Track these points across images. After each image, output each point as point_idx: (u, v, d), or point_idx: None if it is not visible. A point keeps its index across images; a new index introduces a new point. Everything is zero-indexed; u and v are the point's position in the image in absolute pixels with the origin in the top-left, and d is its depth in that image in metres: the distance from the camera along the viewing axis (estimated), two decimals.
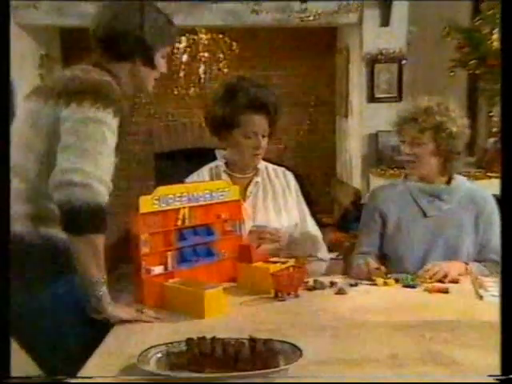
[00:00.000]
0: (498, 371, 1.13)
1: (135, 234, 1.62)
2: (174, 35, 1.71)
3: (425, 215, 2.04)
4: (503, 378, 1.07)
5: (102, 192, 1.41)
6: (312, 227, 2.14)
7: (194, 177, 2.10)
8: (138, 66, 1.63)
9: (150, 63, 1.63)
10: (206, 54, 5.13)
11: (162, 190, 1.68)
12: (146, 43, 1.60)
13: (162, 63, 1.68)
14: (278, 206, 2.09)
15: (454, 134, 1.98)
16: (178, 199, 1.70)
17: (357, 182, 4.72)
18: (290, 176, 2.18)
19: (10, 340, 1.16)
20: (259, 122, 1.99)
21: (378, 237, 2.09)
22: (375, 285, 1.80)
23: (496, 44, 3.64)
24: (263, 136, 2.02)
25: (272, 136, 2.08)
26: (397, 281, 1.80)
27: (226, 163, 2.11)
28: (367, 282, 1.82)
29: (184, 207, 1.72)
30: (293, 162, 5.41)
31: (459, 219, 2.03)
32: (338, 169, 5.56)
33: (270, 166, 2.17)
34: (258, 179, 2.10)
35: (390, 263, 2.02)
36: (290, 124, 5.37)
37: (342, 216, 4.72)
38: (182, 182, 2.05)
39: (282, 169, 2.19)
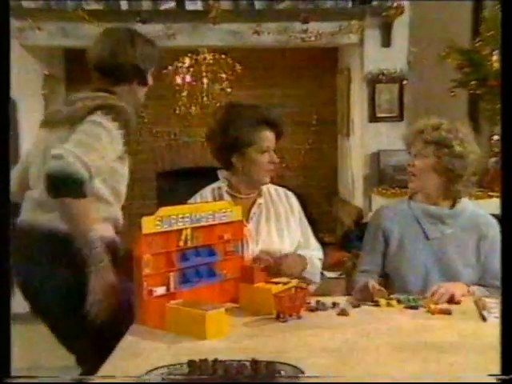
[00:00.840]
0: None
1: (137, 255, 1.63)
2: (158, 55, 2.01)
3: (427, 237, 2.04)
4: (503, 378, 1.06)
5: (76, 165, 1.65)
6: (315, 250, 2.14)
7: (197, 198, 2.10)
8: (135, 86, 1.95)
9: (144, 82, 1.97)
10: (209, 74, 5.17)
11: (164, 210, 1.68)
12: (139, 68, 1.92)
13: (150, 79, 2.00)
14: (281, 227, 2.09)
15: (458, 153, 1.97)
16: (180, 220, 1.71)
17: (359, 201, 4.72)
18: (292, 197, 2.18)
19: (10, 340, 1.17)
20: (271, 137, 2.06)
21: (381, 256, 2.09)
22: (378, 306, 1.79)
23: (496, 65, 3.66)
24: (274, 151, 2.08)
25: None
26: (399, 302, 1.80)
27: (229, 184, 2.11)
28: (370, 304, 1.81)
29: (186, 228, 1.73)
30: (295, 181, 5.41)
31: (461, 244, 2.03)
32: (339, 188, 5.56)
33: (272, 187, 2.17)
34: (261, 201, 2.10)
35: (392, 283, 2.02)
36: (292, 144, 5.38)
37: (343, 235, 4.71)
38: (184, 201, 2.06)
39: (284, 190, 2.20)
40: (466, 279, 1.98)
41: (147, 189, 5.44)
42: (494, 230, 2.05)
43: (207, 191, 2.11)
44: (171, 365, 1.29)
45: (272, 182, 2.20)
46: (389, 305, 1.78)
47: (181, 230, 1.71)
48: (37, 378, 1.28)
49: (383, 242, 2.09)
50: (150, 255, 1.63)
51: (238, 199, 2.05)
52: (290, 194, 2.19)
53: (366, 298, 1.84)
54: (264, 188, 2.13)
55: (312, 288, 2.05)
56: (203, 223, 1.77)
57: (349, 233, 4.53)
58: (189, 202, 2.06)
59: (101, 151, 1.74)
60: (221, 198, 2.06)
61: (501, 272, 1.08)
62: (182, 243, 1.72)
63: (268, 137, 2.05)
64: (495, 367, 1.31)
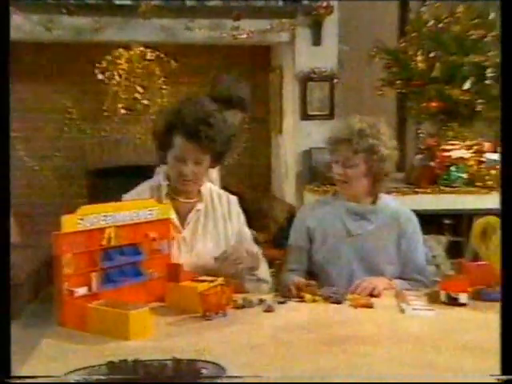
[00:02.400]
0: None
1: (57, 254, 1.58)
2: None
3: (350, 234, 2.08)
4: (503, 378, 1.09)
5: None
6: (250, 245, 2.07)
7: (133, 194, 2.00)
8: None
9: None
10: (141, 70, 5.10)
11: (85, 208, 1.64)
12: None
13: None
14: (218, 235, 2.01)
15: (385, 156, 2.02)
16: (103, 218, 1.67)
17: (291, 198, 4.78)
18: (235, 204, 2.08)
19: (10, 340, 1.15)
20: (189, 149, 1.88)
21: (306, 254, 2.12)
22: (304, 301, 1.81)
23: (421, 65, 3.78)
24: (197, 163, 1.91)
25: (218, 165, 2.03)
26: (324, 297, 1.82)
27: (169, 184, 1.99)
28: (296, 300, 1.82)
29: (110, 226, 1.69)
30: (228, 178, 5.40)
31: (382, 239, 2.07)
32: (273, 186, 5.61)
33: (215, 191, 2.07)
34: (200, 206, 2.00)
35: (318, 280, 2.04)
36: (232, 149, 5.37)
37: (276, 233, 4.75)
38: (118, 199, 1.99)
39: (228, 195, 2.09)
40: (389, 274, 2.04)
41: (77, 187, 5.31)
42: (413, 225, 2.11)
43: (145, 189, 2.01)
44: (90, 366, 1.26)
45: None
46: (315, 300, 1.80)
47: (104, 228, 1.67)
48: (37, 377, 1.24)
49: (307, 240, 2.12)
50: (70, 255, 1.59)
51: (178, 202, 1.97)
52: (233, 200, 2.09)
53: (293, 294, 1.85)
54: (206, 192, 2.03)
55: (266, 288, 2.02)
56: (127, 221, 1.74)
57: (282, 230, 4.57)
58: (125, 196, 1.99)
59: None
60: (159, 199, 1.94)
61: (501, 272, 1.10)
62: (105, 242, 1.68)
63: (184, 147, 1.89)
64: (409, 358, 1.36)
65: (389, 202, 2.15)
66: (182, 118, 1.88)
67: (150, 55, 5.08)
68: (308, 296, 1.81)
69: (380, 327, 1.59)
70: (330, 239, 2.09)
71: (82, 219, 1.61)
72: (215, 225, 2.02)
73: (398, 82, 3.98)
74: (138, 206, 1.78)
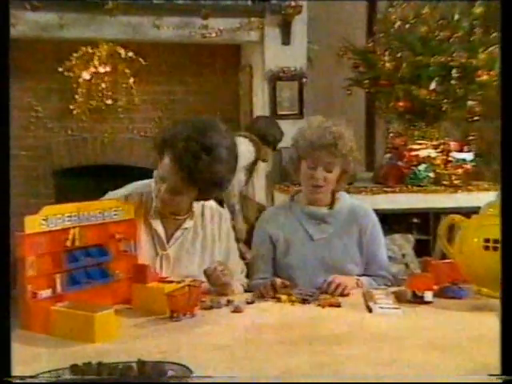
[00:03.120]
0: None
1: (20, 256, 1.54)
2: None
3: (312, 239, 2.07)
4: (503, 378, 1.09)
5: None
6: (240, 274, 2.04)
7: (121, 196, 1.89)
8: None
9: None
10: (108, 68, 5.03)
11: (49, 209, 1.61)
12: None
13: None
14: (203, 255, 1.93)
15: (355, 157, 2.04)
16: (67, 219, 1.64)
17: (262, 198, 4.77)
18: (226, 219, 2.02)
19: (10, 340, 1.13)
20: (169, 167, 1.75)
21: (271, 262, 2.10)
22: (280, 302, 1.79)
23: (388, 65, 3.82)
24: (178, 193, 1.80)
25: (203, 198, 1.89)
26: (304, 300, 1.80)
27: (157, 196, 1.86)
28: (273, 300, 1.81)
29: (74, 227, 1.66)
30: None
31: (344, 240, 2.07)
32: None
33: (208, 206, 1.96)
34: (189, 224, 1.91)
35: None
36: None
37: (248, 232, 4.75)
38: (85, 199, 1.90)
39: (220, 210, 2.00)
40: (354, 274, 2.03)
41: (44, 187, 5.22)
42: (372, 220, 2.10)
43: (135, 195, 1.90)
44: (53, 370, 1.23)
45: None
46: (291, 301, 1.79)
47: (68, 229, 1.64)
48: (37, 377, 1.21)
49: (271, 248, 2.10)
50: (34, 256, 1.56)
51: (166, 219, 1.87)
52: (225, 216, 2.01)
53: (270, 294, 1.84)
54: (197, 209, 1.93)
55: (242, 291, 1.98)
56: (92, 222, 1.71)
57: (252, 229, 4.56)
58: (108, 194, 1.92)
59: None
60: (147, 210, 1.87)
61: (501, 272, 1.10)
62: (69, 243, 1.65)
63: (164, 165, 1.77)
64: (377, 356, 1.36)
65: (345, 199, 2.13)
66: (173, 138, 1.74)
67: (118, 53, 5.02)
68: (284, 297, 1.80)
69: (347, 326, 1.59)
70: (292, 246, 2.07)
71: (45, 220, 1.58)
72: (203, 244, 1.94)
73: (365, 81, 4.01)
74: (102, 207, 1.76)
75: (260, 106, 4.76)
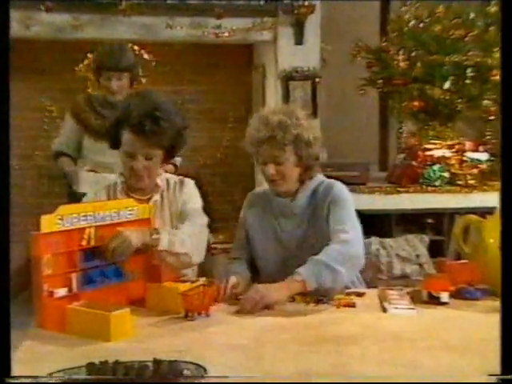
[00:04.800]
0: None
1: (36, 255, 1.55)
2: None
3: (276, 232, 2.02)
4: (503, 377, 1.09)
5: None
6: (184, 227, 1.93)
7: (90, 194, 2.01)
8: None
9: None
10: None
11: (65, 208, 1.62)
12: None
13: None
14: (173, 221, 1.99)
15: (312, 140, 1.91)
16: (82, 218, 1.65)
17: None
18: (188, 183, 2.05)
19: (10, 340, 1.14)
20: (135, 142, 1.86)
21: (245, 243, 2.07)
22: (294, 301, 1.77)
23: (402, 64, 3.80)
24: (147, 158, 1.89)
25: (170, 157, 1.98)
26: (319, 300, 1.78)
27: (124, 181, 1.99)
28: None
29: (89, 226, 1.67)
30: (212, 178, 5.40)
31: (304, 229, 1.97)
32: (257, 184, 5.60)
33: (172, 180, 2.05)
34: (156, 198, 1.99)
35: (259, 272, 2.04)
36: (209, 141, 5.36)
37: None
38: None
39: (182, 179, 2.06)
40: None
41: (58, 186, 5.25)
42: (332, 195, 1.95)
43: (102, 188, 2.02)
44: (69, 368, 1.24)
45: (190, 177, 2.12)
46: (304, 300, 1.77)
47: (83, 228, 1.65)
48: (37, 377, 1.22)
49: (244, 230, 2.08)
50: (50, 255, 1.57)
51: (133, 199, 1.91)
52: (187, 181, 2.06)
53: (227, 294, 1.82)
54: (162, 183, 2.01)
55: (187, 260, 1.86)
56: (107, 221, 1.72)
57: None
58: (83, 200, 1.99)
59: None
60: (115, 196, 1.96)
61: (501, 271, 1.10)
62: (85, 242, 1.66)
63: (131, 141, 1.87)
64: (392, 357, 1.36)
65: (312, 185, 1.99)
66: (128, 113, 1.87)
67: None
68: (298, 297, 1.79)
69: (362, 326, 1.58)
70: (258, 237, 2.04)
71: (61, 219, 1.59)
72: (171, 213, 2.00)
73: (379, 81, 3.99)
74: (118, 206, 1.76)
75: (273, 105, 4.76)
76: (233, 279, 1.86)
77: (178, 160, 2.85)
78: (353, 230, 1.88)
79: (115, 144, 1.95)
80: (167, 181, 2.05)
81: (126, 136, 1.88)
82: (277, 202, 2.01)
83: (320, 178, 2.03)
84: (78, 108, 2.96)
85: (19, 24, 3.87)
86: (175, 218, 1.99)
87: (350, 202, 1.96)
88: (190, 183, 2.06)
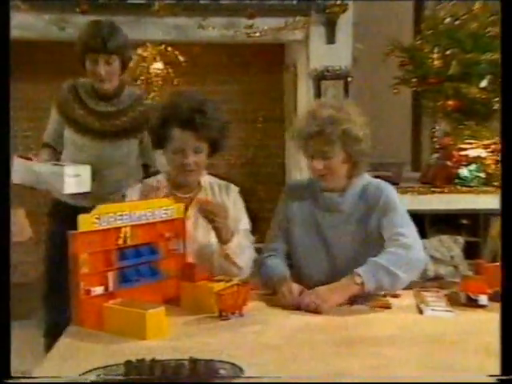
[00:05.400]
0: None
1: (74, 254, 1.58)
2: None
3: (319, 228, 1.96)
4: (503, 378, 1.07)
5: None
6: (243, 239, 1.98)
7: (134, 190, 2.04)
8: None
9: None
10: (154, 69, 5.10)
11: (102, 208, 1.64)
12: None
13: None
14: None
15: (361, 137, 1.88)
16: (119, 218, 1.66)
17: None
18: (234, 190, 2.08)
19: (10, 340, 1.16)
20: (186, 138, 1.91)
21: (284, 233, 2.01)
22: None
23: (437, 63, 3.74)
24: (196, 153, 1.94)
25: (216, 153, 2.02)
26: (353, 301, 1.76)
27: (168, 179, 2.04)
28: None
29: (126, 226, 1.68)
30: (242, 177, 5.41)
31: (352, 226, 1.93)
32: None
33: (216, 183, 2.09)
34: (201, 196, 2.03)
35: (295, 267, 1.97)
36: (239, 141, 5.37)
37: None
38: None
39: (227, 184, 2.11)
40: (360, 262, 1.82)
41: None
42: (384, 195, 1.92)
43: (146, 185, 2.05)
44: (107, 366, 1.25)
45: (221, 178, 2.15)
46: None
47: (120, 228, 1.67)
48: (37, 377, 1.24)
49: (286, 220, 2.01)
50: (87, 254, 1.59)
51: (177, 198, 1.96)
52: (232, 187, 2.10)
53: (290, 303, 1.77)
54: (206, 184, 2.06)
55: (236, 272, 1.90)
56: (143, 221, 1.73)
57: None
58: (125, 193, 2.02)
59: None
60: (158, 194, 1.99)
61: (501, 271, 1.08)
62: (121, 241, 1.67)
63: (180, 138, 1.92)
64: (429, 360, 1.34)
65: (360, 182, 1.96)
66: (176, 110, 1.92)
67: (163, 54, 5.08)
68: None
69: (398, 328, 1.57)
70: (299, 231, 1.98)
71: (98, 218, 1.61)
72: None
73: (413, 80, 3.94)
74: (153, 206, 1.78)
75: (304, 105, 4.74)
76: (296, 287, 1.81)
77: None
78: (412, 234, 1.86)
79: (160, 143, 1.98)
80: (210, 183, 2.07)
81: (175, 132, 1.92)
82: (324, 196, 1.97)
83: (367, 177, 2.01)
84: (61, 96, 2.47)
85: (54, 26, 3.93)
86: None
87: (402, 205, 1.94)
88: (235, 190, 2.08)
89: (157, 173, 2.20)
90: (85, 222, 1.58)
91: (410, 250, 1.79)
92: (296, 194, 2.04)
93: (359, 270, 1.74)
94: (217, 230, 1.87)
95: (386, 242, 1.84)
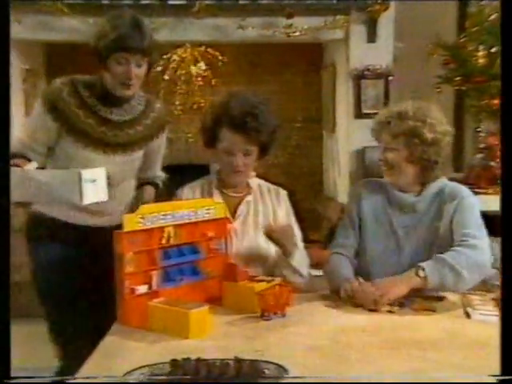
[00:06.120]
0: None
1: (119, 253, 1.60)
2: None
3: (392, 228, 1.94)
4: (503, 378, 1.05)
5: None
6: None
7: (184, 190, 2.05)
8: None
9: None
10: (193, 70, 5.13)
11: (146, 208, 1.66)
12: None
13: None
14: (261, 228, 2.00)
15: (430, 140, 1.85)
16: (162, 217, 1.68)
17: (344, 198, 4.72)
18: (284, 195, 2.10)
19: (10, 340, 1.16)
20: (237, 140, 1.92)
21: (354, 231, 2.00)
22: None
23: (482, 61, 3.65)
24: (246, 155, 1.95)
25: (265, 156, 2.02)
26: (401, 304, 1.73)
27: (220, 179, 2.05)
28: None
29: (169, 225, 1.70)
30: (280, 177, 5.39)
31: (426, 228, 1.91)
32: (325, 185, 5.56)
33: (265, 185, 2.10)
34: (250, 198, 2.04)
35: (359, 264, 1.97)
36: (278, 140, 5.36)
37: (329, 232, 4.70)
38: (170, 196, 2.04)
39: (276, 188, 2.11)
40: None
41: None
42: (460, 196, 1.90)
43: (197, 185, 2.07)
44: (153, 364, 1.26)
45: (264, 179, 2.15)
46: (390, 312, 1.71)
47: (163, 227, 1.68)
48: (36, 378, 1.26)
49: (358, 220, 2.00)
50: (132, 253, 1.61)
51: (228, 196, 2.00)
52: (282, 192, 2.11)
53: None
54: (255, 185, 2.07)
55: (300, 281, 1.96)
56: (186, 220, 1.74)
57: (334, 230, 4.50)
58: (177, 192, 2.04)
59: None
60: (210, 194, 2.00)
61: (501, 272, 1.06)
62: (164, 241, 1.69)
63: (232, 139, 1.93)
64: (479, 364, 1.30)
65: (436, 184, 1.94)
66: (228, 111, 1.92)
67: (202, 55, 5.11)
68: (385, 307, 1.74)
69: (445, 332, 1.54)
70: (372, 228, 1.97)
71: (142, 218, 1.63)
72: (265, 217, 2.03)
73: (457, 78, 3.86)
74: (196, 205, 1.79)
75: (343, 104, 4.71)
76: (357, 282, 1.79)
77: (160, 177, 2.28)
78: (482, 236, 1.85)
79: (211, 142, 2.00)
80: (258, 185, 2.09)
81: (226, 133, 1.93)
82: (398, 196, 1.96)
83: (444, 180, 1.99)
84: (56, 97, 1.93)
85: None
86: (266, 222, 2.01)
87: (478, 209, 1.93)
88: (284, 194, 2.10)
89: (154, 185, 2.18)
90: (130, 221, 1.60)
91: (478, 252, 1.77)
92: (370, 192, 2.02)
93: (424, 264, 1.73)
94: (282, 246, 1.91)
95: (455, 241, 1.83)
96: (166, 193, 2.19)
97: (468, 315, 1.65)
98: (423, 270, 1.72)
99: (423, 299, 1.78)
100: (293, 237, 1.93)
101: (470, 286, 1.80)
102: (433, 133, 1.86)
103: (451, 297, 1.82)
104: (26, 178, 1.68)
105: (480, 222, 1.89)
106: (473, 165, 4.01)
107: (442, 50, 3.85)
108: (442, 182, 1.96)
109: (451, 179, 4.13)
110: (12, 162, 1.68)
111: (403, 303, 1.73)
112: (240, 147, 1.93)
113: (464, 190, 1.95)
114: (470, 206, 1.90)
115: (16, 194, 1.55)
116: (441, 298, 1.80)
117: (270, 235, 1.90)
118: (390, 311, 1.70)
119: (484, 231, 1.88)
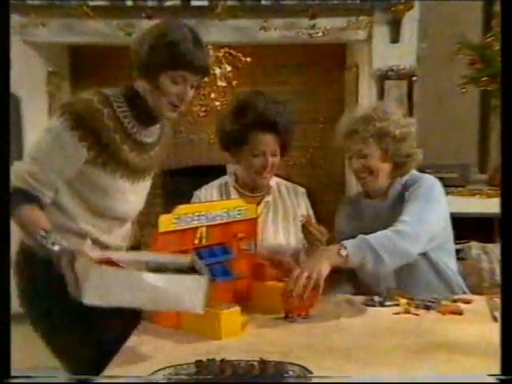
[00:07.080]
0: None
1: None
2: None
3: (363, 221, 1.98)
4: (503, 377, 1.04)
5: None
6: None
7: (202, 190, 2.07)
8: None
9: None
10: (215, 71, 5.15)
11: (181, 208, 1.66)
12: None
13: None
14: (288, 226, 2.05)
15: (399, 136, 1.89)
16: (196, 218, 1.69)
17: None
18: (303, 194, 2.12)
19: (10, 340, 1.16)
20: (267, 141, 1.95)
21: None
22: (397, 305, 1.75)
23: None
24: (273, 155, 1.97)
25: (285, 155, 2.04)
26: (427, 306, 1.74)
27: (237, 180, 2.06)
28: (390, 303, 1.77)
29: (202, 226, 1.71)
30: (302, 178, 5.38)
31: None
32: (347, 186, 5.53)
33: (283, 184, 2.12)
34: (269, 199, 2.05)
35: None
36: (299, 141, 5.35)
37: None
38: (190, 197, 2.05)
39: (295, 186, 2.14)
40: None
41: (152, 186, 5.43)
42: (418, 185, 1.89)
43: (214, 186, 2.09)
44: (178, 365, 1.27)
45: (284, 179, 2.16)
46: (408, 304, 1.74)
47: (196, 228, 1.69)
48: (35, 378, 1.27)
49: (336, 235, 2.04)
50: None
51: (246, 196, 2.00)
52: (300, 190, 2.13)
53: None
54: (274, 185, 2.08)
55: None
56: (218, 221, 1.75)
57: None
58: (195, 193, 2.06)
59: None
60: (227, 194, 2.03)
61: (501, 272, 1.05)
62: (197, 241, 1.70)
63: (262, 140, 1.94)
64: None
65: (400, 181, 1.95)
66: (257, 113, 1.92)
67: (225, 56, 5.12)
68: (403, 300, 1.76)
69: (473, 336, 1.52)
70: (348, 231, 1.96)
71: (177, 219, 1.63)
72: (285, 216, 2.04)
73: (483, 78, 3.81)
74: (227, 206, 1.79)
75: (366, 105, 4.68)
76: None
77: None
78: (416, 225, 1.77)
79: (234, 146, 1.99)
80: (277, 183, 2.10)
81: (255, 136, 1.94)
82: (366, 204, 1.99)
83: (413, 172, 1.98)
84: (90, 115, 1.56)
85: (121, 31, 4.02)
86: (285, 222, 2.03)
87: (435, 199, 1.86)
88: (303, 192, 2.12)
89: None
90: (165, 222, 1.60)
91: (405, 239, 1.73)
92: (345, 207, 2.09)
93: (347, 243, 1.69)
94: (311, 243, 1.91)
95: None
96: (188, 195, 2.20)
97: (495, 319, 1.64)
98: (345, 248, 1.67)
99: (450, 302, 1.77)
100: (324, 239, 1.91)
101: (390, 270, 1.78)
102: (399, 128, 1.90)
103: (478, 299, 1.81)
104: (135, 279, 1.33)
105: (427, 210, 1.82)
106: (498, 166, 3.96)
107: (469, 50, 3.81)
108: (409, 176, 1.96)
109: (476, 181, 4.09)
110: (18, 209, 1.47)
111: (430, 306, 1.72)
112: (271, 148, 1.95)
113: (425, 178, 1.92)
114: (423, 193, 1.85)
115: (125, 299, 1.32)
116: (468, 301, 1.79)
117: (307, 227, 1.89)
118: (415, 314, 1.69)
119: (426, 220, 1.80)
